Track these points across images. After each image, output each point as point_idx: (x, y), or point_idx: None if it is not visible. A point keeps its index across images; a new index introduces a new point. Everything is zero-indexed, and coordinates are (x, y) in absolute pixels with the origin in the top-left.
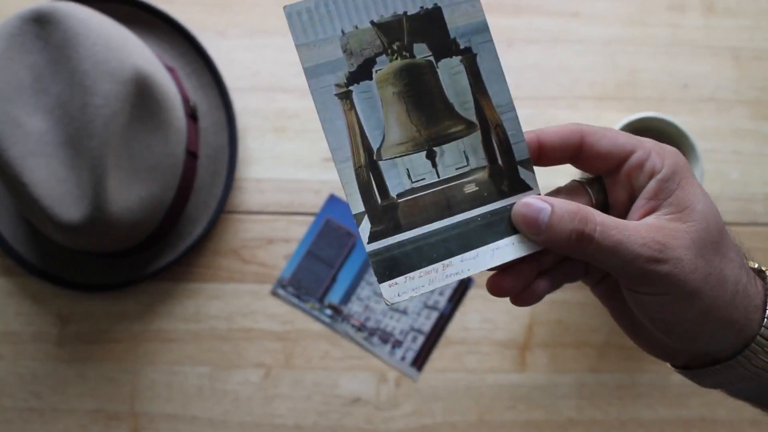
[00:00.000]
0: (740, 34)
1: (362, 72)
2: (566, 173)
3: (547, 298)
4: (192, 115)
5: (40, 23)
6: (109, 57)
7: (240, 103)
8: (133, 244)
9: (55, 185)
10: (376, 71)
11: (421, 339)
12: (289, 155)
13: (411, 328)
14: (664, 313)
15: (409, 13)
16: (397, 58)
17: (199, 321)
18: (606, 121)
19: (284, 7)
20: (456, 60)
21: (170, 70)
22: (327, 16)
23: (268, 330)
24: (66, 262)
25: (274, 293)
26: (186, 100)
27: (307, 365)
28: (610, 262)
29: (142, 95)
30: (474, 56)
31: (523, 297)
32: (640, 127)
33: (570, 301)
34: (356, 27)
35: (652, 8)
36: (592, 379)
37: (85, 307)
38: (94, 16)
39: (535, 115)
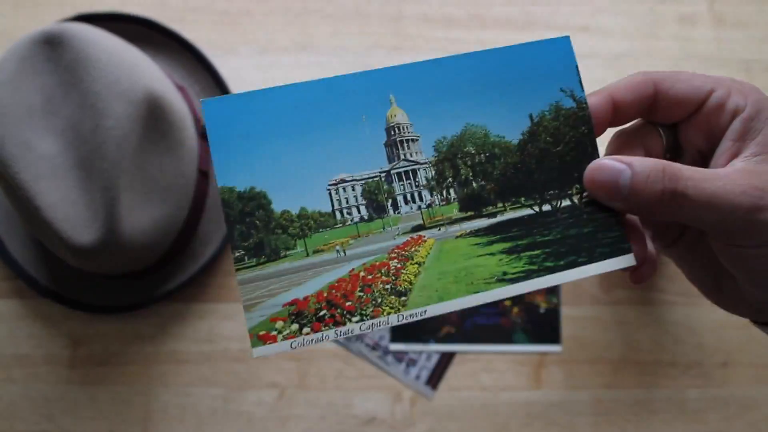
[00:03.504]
0: (751, 46)
1: None
2: None
3: (562, 313)
4: (203, 134)
5: (51, 45)
6: (120, 78)
7: None
8: (145, 266)
9: (67, 208)
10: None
11: (435, 357)
12: None
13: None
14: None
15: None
16: None
17: (212, 342)
18: None
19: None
20: None
21: (181, 89)
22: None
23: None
24: (77, 283)
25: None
26: (197, 120)
27: (321, 385)
28: (706, 218)
29: (153, 116)
30: None
31: (645, 270)
32: None
33: (584, 317)
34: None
35: (661, 21)
36: (608, 395)
37: (97, 329)
38: (104, 37)
39: None
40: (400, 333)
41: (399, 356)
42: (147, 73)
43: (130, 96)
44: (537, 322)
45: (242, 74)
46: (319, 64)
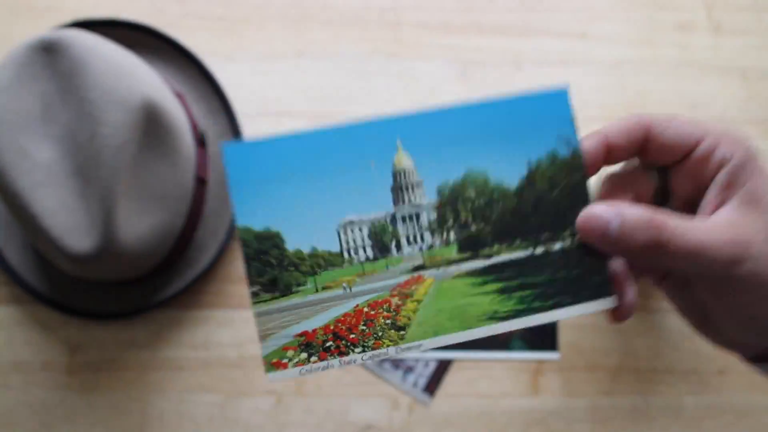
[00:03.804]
0: (748, 54)
1: None
2: None
3: (559, 321)
4: (201, 141)
5: (49, 52)
6: (118, 85)
7: (249, 128)
8: (142, 273)
9: (64, 216)
10: None
11: (433, 364)
12: None
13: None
14: (747, 310)
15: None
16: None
17: (209, 348)
18: None
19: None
20: None
21: (179, 96)
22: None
23: None
24: (75, 290)
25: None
26: (195, 127)
27: (318, 392)
28: (688, 268)
29: (151, 123)
30: None
31: (622, 312)
32: None
33: (582, 324)
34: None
35: (659, 28)
36: (605, 402)
37: (94, 335)
38: (102, 44)
39: None
40: None
41: (396, 363)
42: (144, 80)
43: (127, 104)
44: (534, 329)
45: (240, 80)
46: (317, 70)
